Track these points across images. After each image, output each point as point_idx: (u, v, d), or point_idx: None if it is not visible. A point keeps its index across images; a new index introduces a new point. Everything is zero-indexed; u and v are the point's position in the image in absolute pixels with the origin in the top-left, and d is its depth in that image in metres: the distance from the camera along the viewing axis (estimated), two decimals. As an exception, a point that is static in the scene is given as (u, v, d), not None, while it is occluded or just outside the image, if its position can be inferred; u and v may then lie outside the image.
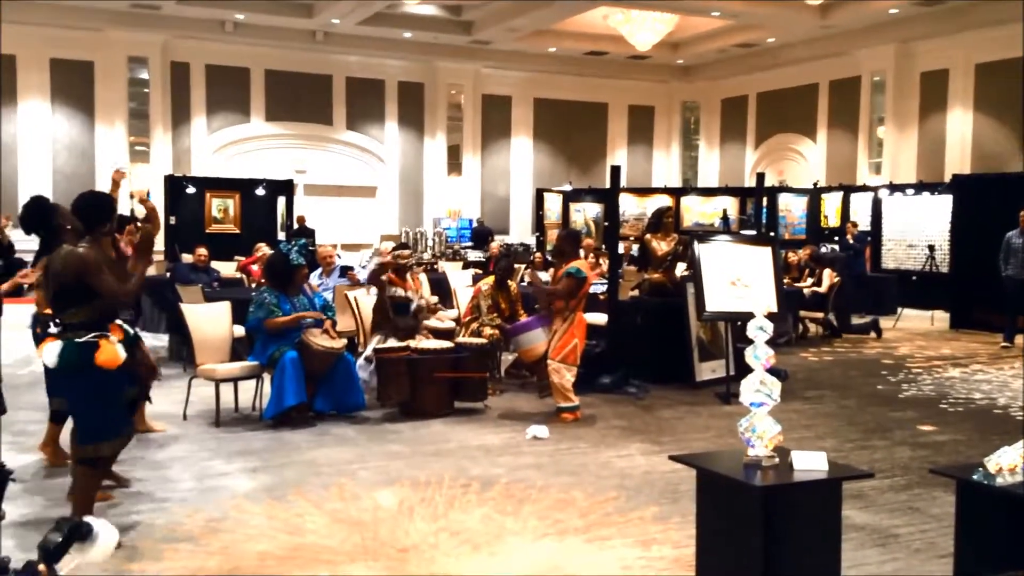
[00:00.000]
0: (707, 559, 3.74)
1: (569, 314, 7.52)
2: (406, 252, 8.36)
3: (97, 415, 4.58)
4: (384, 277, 8.06)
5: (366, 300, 8.62)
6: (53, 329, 4.64)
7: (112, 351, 4.51)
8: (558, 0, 17.92)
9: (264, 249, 11.77)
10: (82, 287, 4.49)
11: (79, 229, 4.69)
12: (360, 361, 7.79)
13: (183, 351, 9.51)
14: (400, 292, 8.06)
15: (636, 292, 10.18)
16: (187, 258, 13.33)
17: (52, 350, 4.48)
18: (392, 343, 7.74)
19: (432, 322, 8.90)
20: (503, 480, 5.72)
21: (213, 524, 4.89)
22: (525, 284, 12.41)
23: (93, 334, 4.51)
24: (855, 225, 16.93)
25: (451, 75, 22.99)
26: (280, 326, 7.20)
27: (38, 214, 4.63)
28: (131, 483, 5.58)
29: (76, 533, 2.23)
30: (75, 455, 4.71)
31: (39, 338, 5.35)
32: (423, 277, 8.97)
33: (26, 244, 14.00)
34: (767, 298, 8.69)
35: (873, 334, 13.00)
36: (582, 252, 14.69)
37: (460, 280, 12.17)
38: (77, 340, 4.47)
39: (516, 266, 13.96)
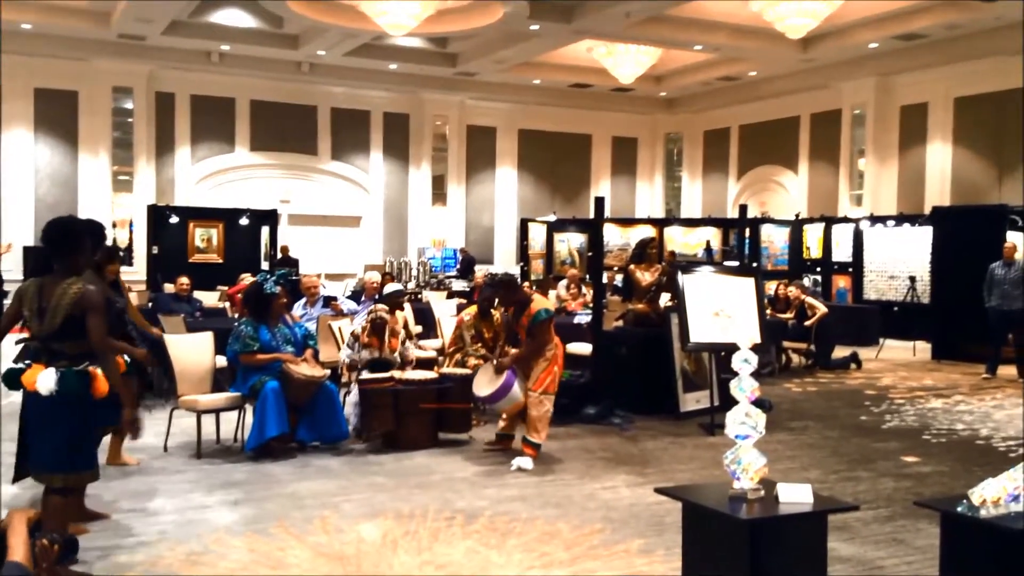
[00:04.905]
0: (693, 592, 3.72)
1: (551, 350, 7.28)
2: (382, 308, 8.15)
3: (81, 445, 4.54)
4: (364, 339, 7.97)
5: (349, 330, 8.59)
6: (28, 358, 4.59)
7: (103, 380, 4.51)
8: (542, 33, 18.05)
9: (248, 279, 11.73)
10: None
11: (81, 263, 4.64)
12: (349, 406, 7.74)
13: (164, 382, 9.43)
14: (375, 355, 7.94)
15: (620, 323, 10.19)
16: (169, 288, 13.26)
17: (48, 377, 4.40)
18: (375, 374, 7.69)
19: (415, 351, 8.86)
20: (488, 512, 5.69)
21: (194, 558, 4.83)
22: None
23: (86, 363, 4.49)
24: None
25: (436, 106, 23.09)
26: (255, 363, 7.18)
27: (67, 240, 4.49)
28: (110, 515, 5.52)
29: None
30: (49, 484, 4.58)
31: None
32: (408, 308, 8.89)
33: (13, 275, 13.96)
34: (750, 329, 8.72)
35: (853, 366, 13.04)
36: (564, 283, 14.80)
37: (444, 310, 12.15)
38: (76, 369, 4.44)
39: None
